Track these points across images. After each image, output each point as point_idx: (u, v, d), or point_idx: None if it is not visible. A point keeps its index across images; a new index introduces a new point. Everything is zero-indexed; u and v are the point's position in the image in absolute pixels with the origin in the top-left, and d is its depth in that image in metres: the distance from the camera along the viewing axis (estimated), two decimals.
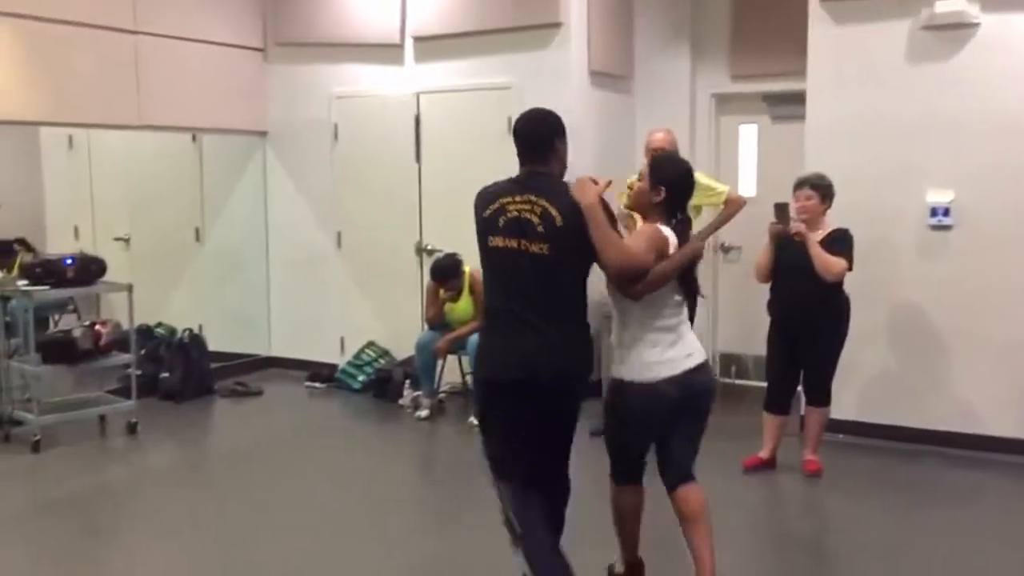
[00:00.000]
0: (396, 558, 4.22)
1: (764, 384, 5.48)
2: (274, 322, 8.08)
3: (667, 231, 3.49)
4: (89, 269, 6.11)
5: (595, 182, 3.37)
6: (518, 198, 3.33)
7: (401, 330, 7.17)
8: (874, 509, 4.79)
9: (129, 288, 6.15)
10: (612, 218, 3.37)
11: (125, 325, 6.28)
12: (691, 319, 5.79)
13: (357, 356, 7.41)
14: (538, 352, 3.29)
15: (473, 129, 6.79)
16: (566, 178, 3.46)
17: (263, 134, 7.87)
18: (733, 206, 6.02)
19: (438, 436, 6.29)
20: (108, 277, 6.25)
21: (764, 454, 5.33)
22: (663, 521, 3.71)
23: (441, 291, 6.47)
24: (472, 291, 6.33)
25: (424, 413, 6.50)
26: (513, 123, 3.49)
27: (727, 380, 7.47)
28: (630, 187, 3.68)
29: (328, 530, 4.57)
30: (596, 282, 3.52)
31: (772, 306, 5.26)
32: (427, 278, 6.69)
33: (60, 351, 5.93)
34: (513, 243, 3.31)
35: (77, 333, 6.01)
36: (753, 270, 5.32)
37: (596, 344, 3.81)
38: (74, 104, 6.47)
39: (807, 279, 4.95)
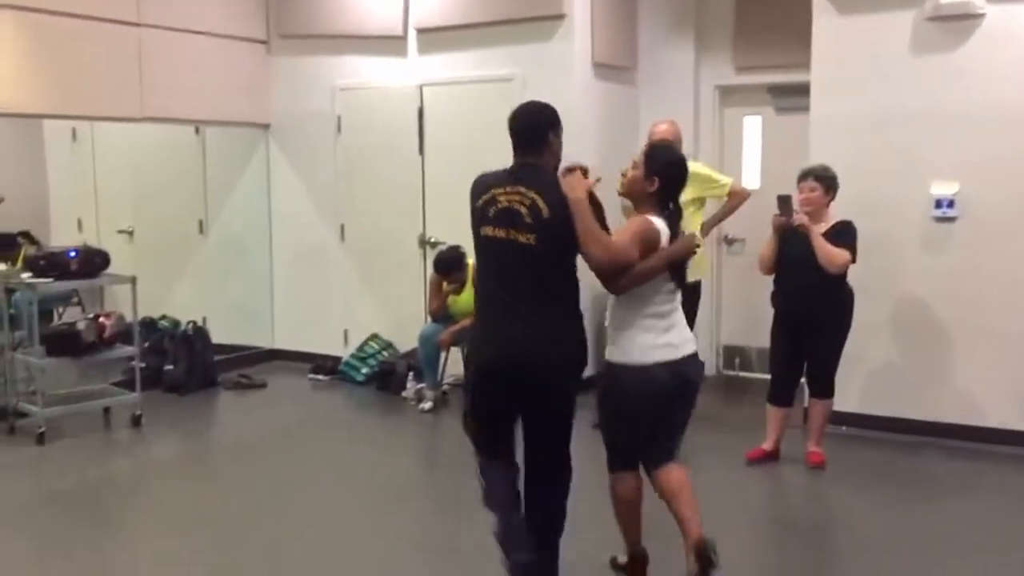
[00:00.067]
0: (400, 549, 4.23)
1: (768, 376, 5.47)
2: (278, 314, 8.09)
3: (659, 223, 3.51)
4: (93, 261, 6.11)
5: (585, 172, 3.42)
6: (508, 189, 3.39)
7: (404, 322, 7.18)
8: (877, 501, 4.79)
9: (133, 280, 6.17)
10: (600, 211, 3.41)
11: (129, 317, 6.29)
12: (694, 312, 5.84)
13: (360, 348, 7.41)
14: (525, 340, 3.35)
15: (476, 121, 6.78)
16: (564, 165, 3.49)
17: (266, 126, 7.87)
18: (737, 198, 6.01)
19: (441, 428, 6.30)
20: (112, 269, 6.26)
21: (767, 446, 5.34)
22: (664, 511, 3.70)
23: (444, 283, 6.48)
24: (475, 284, 6.32)
25: (427, 405, 6.51)
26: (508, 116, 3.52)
27: (731, 372, 7.47)
28: (623, 174, 3.67)
29: (332, 522, 4.58)
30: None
31: (776, 298, 5.26)
32: (430, 270, 6.69)
33: (64, 343, 5.95)
34: (502, 233, 3.38)
35: (81, 325, 6.02)
36: (757, 262, 5.31)
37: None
38: (78, 97, 6.48)
39: (811, 271, 4.94)
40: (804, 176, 5.11)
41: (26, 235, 7.45)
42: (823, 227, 5.01)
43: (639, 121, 7.01)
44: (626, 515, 3.76)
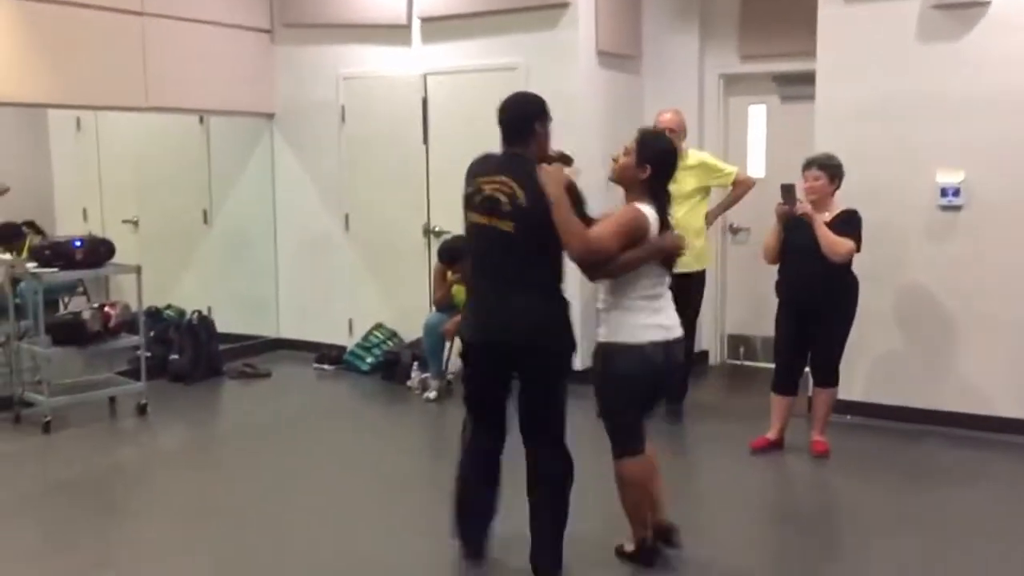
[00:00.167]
0: (404, 538, 4.24)
1: (772, 365, 5.47)
2: (282, 304, 8.10)
3: (648, 212, 3.55)
4: (98, 251, 6.12)
5: (568, 161, 3.61)
6: (493, 178, 3.55)
7: (409, 312, 7.18)
8: (881, 489, 4.80)
9: (138, 270, 6.18)
10: (580, 202, 3.51)
11: (134, 307, 6.30)
12: (698, 301, 5.86)
13: (365, 338, 7.42)
14: (506, 320, 3.53)
15: (481, 110, 6.64)
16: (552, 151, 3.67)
17: (270, 116, 7.87)
18: (741, 187, 6.01)
19: (446, 417, 6.30)
20: (117, 259, 6.27)
21: (772, 435, 5.34)
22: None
23: (449, 273, 6.48)
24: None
25: (432, 395, 6.52)
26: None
27: (735, 361, 7.48)
28: (615, 160, 3.71)
29: (336, 511, 4.59)
30: None
31: (780, 287, 5.25)
32: (435, 260, 6.69)
33: (70, 333, 5.96)
34: (485, 219, 3.54)
35: (86, 315, 6.03)
36: (761, 251, 5.31)
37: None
38: (82, 86, 6.48)
39: (815, 260, 4.94)
40: (808, 165, 5.10)
41: (31, 225, 7.48)
42: (827, 216, 5.01)
43: (643, 110, 6.99)
44: (639, 498, 3.78)
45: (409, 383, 6.80)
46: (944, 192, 5.56)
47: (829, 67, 5.83)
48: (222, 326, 7.50)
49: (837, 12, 5.78)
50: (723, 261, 7.32)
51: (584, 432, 4.02)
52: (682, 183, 5.79)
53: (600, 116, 6.64)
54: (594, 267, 3.48)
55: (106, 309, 6.14)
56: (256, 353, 7.82)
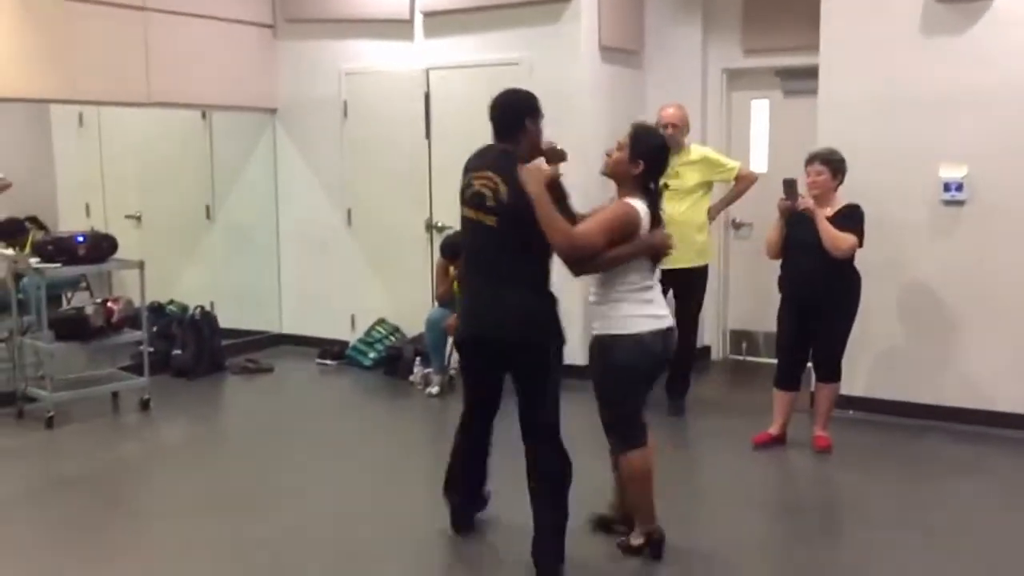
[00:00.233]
0: (408, 532, 4.24)
1: (775, 360, 5.46)
2: (285, 299, 8.10)
3: (641, 207, 3.59)
4: (101, 246, 6.13)
5: (559, 155, 3.71)
6: (481, 173, 3.65)
7: (411, 307, 7.18)
8: (883, 485, 4.79)
9: (140, 265, 6.18)
10: (563, 198, 3.58)
11: (137, 302, 6.31)
12: (701, 297, 5.87)
13: (368, 333, 7.42)
14: (494, 315, 3.62)
15: (483, 105, 6.64)
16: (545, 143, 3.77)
17: (273, 111, 7.86)
18: (744, 182, 6.00)
19: (448, 412, 6.29)
20: (119, 254, 6.27)
21: (774, 430, 5.33)
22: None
23: (451, 268, 6.47)
24: None
25: (434, 390, 6.53)
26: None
27: (738, 357, 7.47)
28: (608, 155, 3.74)
29: (339, 505, 4.60)
30: None
31: (782, 282, 5.25)
32: (437, 255, 6.69)
33: (73, 328, 5.97)
34: (473, 214, 3.66)
35: (89, 310, 6.04)
36: (764, 246, 5.30)
37: None
38: (84, 81, 6.48)
39: (817, 255, 4.93)
40: (811, 160, 5.09)
41: (34, 220, 7.48)
42: (829, 211, 5.00)
43: (646, 105, 6.97)
44: (647, 490, 3.81)
45: (411, 378, 6.80)
46: (947, 187, 5.55)
47: (832, 61, 5.81)
48: (225, 321, 7.51)
49: (840, 6, 5.76)
50: (725, 256, 7.32)
51: (585, 428, 4.03)
52: (685, 178, 5.81)
53: (602, 111, 6.63)
54: (579, 263, 3.52)
55: (109, 304, 6.14)
56: (259, 348, 7.82)
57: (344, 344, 7.53)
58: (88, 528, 4.40)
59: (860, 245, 4.97)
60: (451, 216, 6.82)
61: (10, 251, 6.61)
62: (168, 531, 4.35)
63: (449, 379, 6.67)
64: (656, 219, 3.66)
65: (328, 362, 7.48)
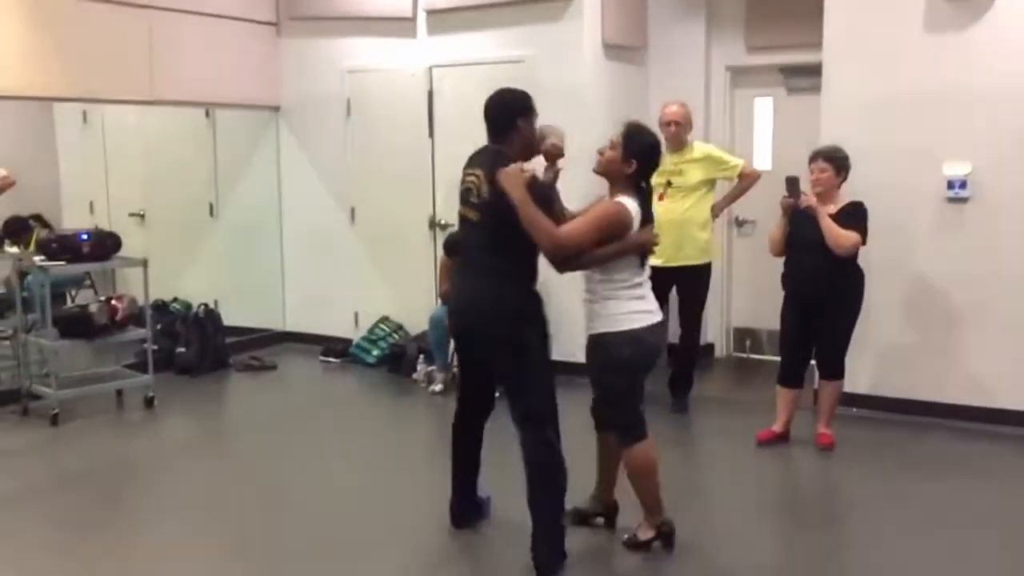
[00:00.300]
0: (410, 529, 4.24)
1: (778, 358, 5.46)
2: (288, 297, 8.11)
3: (632, 205, 3.64)
4: (105, 244, 6.14)
5: (559, 151, 3.79)
6: (470, 171, 3.77)
7: (415, 305, 7.19)
8: (887, 482, 4.79)
9: (144, 263, 6.19)
10: (544, 196, 3.61)
11: (141, 300, 6.32)
12: (704, 294, 5.87)
13: (371, 331, 7.43)
14: (469, 308, 3.77)
15: None
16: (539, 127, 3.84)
17: (276, 109, 7.87)
18: (748, 180, 6.00)
19: (451, 410, 6.26)
20: (123, 252, 6.28)
21: (778, 428, 5.33)
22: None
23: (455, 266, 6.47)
24: None
25: (438, 387, 6.53)
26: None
27: (741, 354, 7.47)
28: (600, 153, 3.77)
29: (342, 502, 4.61)
30: None
31: (786, 280, 5.25)
32: (441, 253, 6.69)
33: (77, 326, 5.98)
34: (462, 209, 3.80)
35: (93, 308, 6.05)
36: (767, 244, 5.30)
37: None
38: (88, 79, 6.48)
39: (820, 253, 4.93)
40: (814, 157, 5.09)
41: (38, 218, 7.49)
42: (833, 208, 5.00)
43: (649, 102, 6.96)
44: (653, 482, 3.85)
45: (415, 376, 6.81)
46: (951, 184, 5.54)
47: (836, 59, 5.81)
48: (228, 319, 7.52)
49: (844, 3, 5.76)
50: (729, 254, 7.31)
51: (585, 426, 4.04)
52: (688, 176, 5.81)
53: (606, 108, 6.62)
54: (564, 261, 3.57)
55: (113, 302, 6.15)
56: (262, 346, 7.83)
57: (348, 342, 7.54)
58: (92, 525, 4.41)
59: (863, 243, 4.97)
60: (454, 214, 6.79)
61: (14, 249, 6.64)
62: (172, 528, 4.36)
63: (452, 377, 6.66)
64: (647, 218, 3.71)
65: (332, 360, 7.49)
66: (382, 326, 7.42)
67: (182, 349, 7.13)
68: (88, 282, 7.83)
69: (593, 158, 3.80)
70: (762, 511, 4.58)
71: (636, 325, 3.68)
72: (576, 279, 3.82)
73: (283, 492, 4.77)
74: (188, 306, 7.76)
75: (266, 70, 7.72)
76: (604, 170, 3.75)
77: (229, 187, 8.12)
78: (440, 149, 7.08)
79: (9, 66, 6.02)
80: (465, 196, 3.76)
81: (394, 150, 7.30)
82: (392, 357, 7.14)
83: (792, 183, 5.05)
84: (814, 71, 6.06)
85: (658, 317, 3.78)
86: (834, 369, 5.26)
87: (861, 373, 5.77)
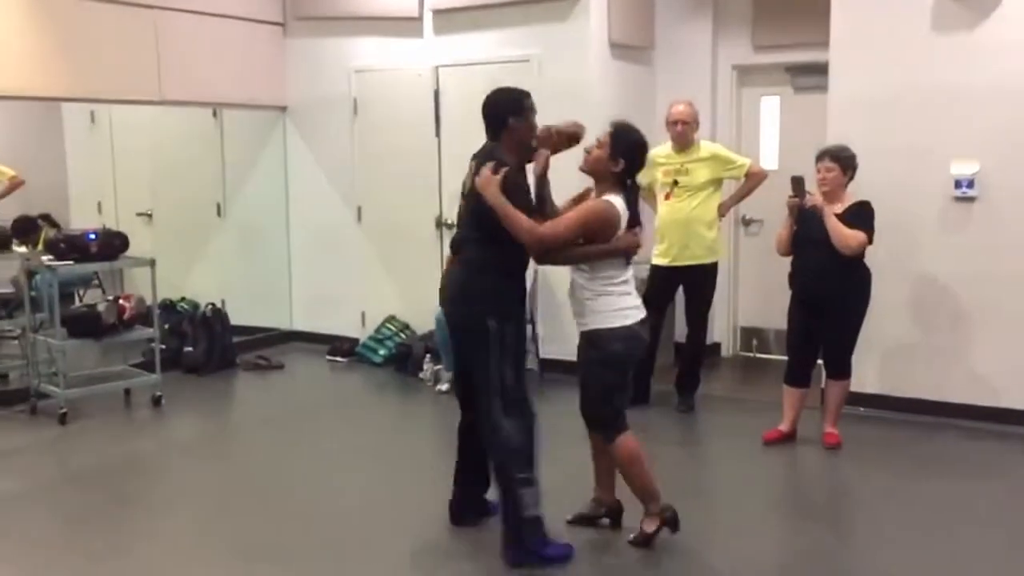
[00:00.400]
0: (417, 526, 4.25)
1: (785, 357, 5.46)
2: (295, 296, 8.13)
3: (620, 204, 3.71)
4: (112, 244, 6.15)
5: (577, 137, 3.90)
6: (469, 165, 3.87)
7: (421, 304, 7.18)
8: (893, 482, 4.78)
9: (152, 263, 6.20)
10: (524, 194, 3.72)
11: (148, 300, 6.33)
12: (711, 294, 5.89)
13: (378, 330, 7.44)
14: (444, 292, 3.94)
15: None
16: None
17: (283, 109, 7.88)
18: (754, 179, 5.99)
19: (457, 409, 6.31)
20: (131, 252, 6.30)
21: (784, 427, 5.33)
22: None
23: None
24: None
25: (444, 386, 6.53)
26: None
27: (748, 353, 7.46)
28: (588, 152, 3.82)
29: (349, 501, 4.62)
30: None
31: (793, 279, 5.24)
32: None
33: (85, 325, 6.00)
34: (460, 202, 3.96)
35: (101, 307, 6.07)
36: (774, 243, 5.30)
37: None
38: (95, 80, 6.50)
39: (827, 252, 4.92)
40: (821, 156, 5.08)
41: (46, 218, 7.51)
42: (839, 207, 4.99)
43: (655, 101, 6.97)
44: (644, 469, 3.89)
45: (421, 375, 6.82)
46: (958, 183, 5.53)
47: (843, 57, 5.80)
48: (235, 318, 7.53)
49: (851, 1, 5.75)
50: (736, 253, 7.31)
51: (578, 432, 4.06)
52: (695, 175, 5.81)
53: (612, 107, 6.60)
54: (546, 254, 3.69)
55: (121, 302, 6.17)
56: (269, 345, 7.85)
57: (354, 341, 7.55)
58: (100, 523, 4.43)
59: (870, 242, 4.96)
60: None
61: (23, 248, 6.65)
62: (180, 526, 4.38)
63: None
64: (633, 217, 3.76)
65: (338, 359, 7.50)
66: (389, 325, 7.43)
67: (189, 348, 7.15)
68: (96, 281, 7.86)
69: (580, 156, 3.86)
70: (768, 510, 4.57)
71: (629, 321, 3.76)
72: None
73: (289, 491, 4.78)
74: (195, 305, 7.78)
75: (273, 70, 7.74)
76: (591, 168, 3.81)
77: (236, 187, 8.14)
78: (446, 148, 7.08)
79: (17, 66, 6.04)
80: (461, 189, 3.91)
81: (400, 149, 7.31)
82: (399, 356, 7.15)
83: (797, 183, 5.04)
84: (821, 70, 6.05)
85: (643, 312, 3.87)
86: (841, 368, 5.25)
87: (868, 373, 5.76)
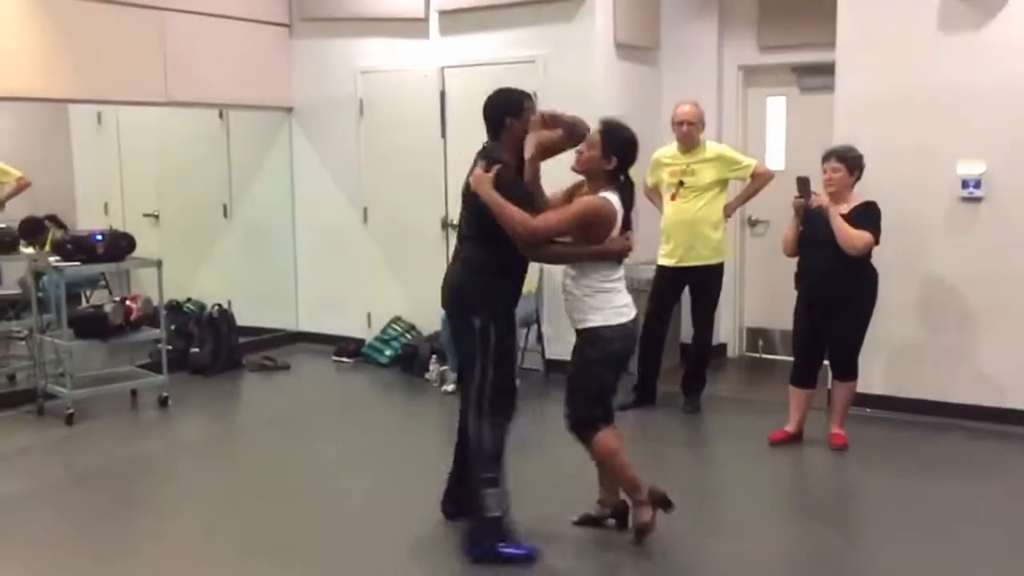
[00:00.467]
0: (423, 527, 4.25)
1: (791, 358, 5.45)
2: (301, 297, 8.14)
3: (616, 202, 3.74)
4: (119, 245, 6.17)
5: (579, 130, 3.87)
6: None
7: (427, 305, 7.13)
8: (900, 483, 4.77)
9: (159, 264, 6.22)
10: (519, 191, 3.71)
11: (155, 301, 6.34)
12: (717, 294, 5.89)
13: (384, 331, 7.45)
14: (442, 289, 3.98)
15: None
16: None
17: (289, 110, 7.90)
18: (760, 180, 5.98)
19: None
20: (138, 253, 6.31)
21: (791, 428, 5.32)
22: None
23: None
24: None
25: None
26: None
27: (754, 354, 7.45)
28: (579, 152, 3.85)
29: (355, 502, 4.62)
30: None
31: (799, 280, 5.23)
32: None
33: (92, 326, 6.02)
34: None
35: (108, 308, 6.08)
36: (780, 244, 5.29)
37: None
38: (102, 81, 6.52)
39: (832, 253, 4.91)
40: (827, 156, 5.07)
41: (53, 219, 7.52)
42: (845, 208, 4.98)
43: (661, 102, 6.96)
44: (624, 459, 3.92)
45: (427, 376, 6.82)
46: (965, 184, 5.51)
47: (849, 58, 5.79)
48: (242, 319, 7.55)
49: (857, 1, 5.74)
50: (741, 254, 7.30)
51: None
52: (700, 176, 5.80)
53: (618, 108, 6.56)
54: (536, 246, 3.72)
55: (127, 302, 6.19)
56: (275, 346, 7.86)
57: (360, 342, 7.56)
58: (107, 524, 4.44)
59: (876, 243, 4.95)
60: None
61: (30, 250, 6.67)
62: (186, 526, 4.38)
63: None
64: (627, 216, 3.79)
65: (344, 360, 7.51)
66: (395, 326, 7.44)
67: (196, 349, 7.17)
68: (103, 282, 7.86)
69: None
70: (774, 511, 4.57)
71: (625, 319, 3.83)
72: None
73: (296, 491, 4.78)
74: (202, 306, 7.80)
75: (279, 71, 7.75)
76: (585, 168, 3.83)
77: (242, 188, 8.15)
78: (452, 149, 7.08)
79: (24, 68, 6.06)
80: (461, 191, 3.95)
81: (406, 150, 7.32)
82: (405, 357, 7.15)
83: (803, 183, 5.03)
84: (827, 70, 6.04)
85: (635, 310, 3.94)
86: (847, 369, 5.24)
87: (874, 373, 5.75)
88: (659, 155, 5.99)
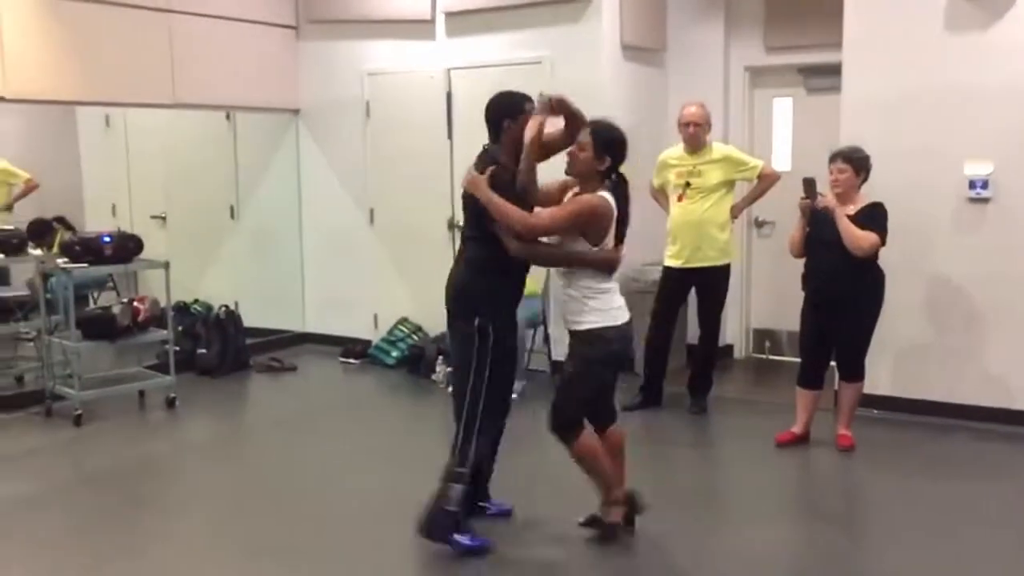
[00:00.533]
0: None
1: (798, 359, 5.44)
2: (308, 298, 8.15)
3: (611, 200, 3.77)
4: (127, 247, 6.19)
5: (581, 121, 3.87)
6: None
7: (434, 306, 7.08)
8: (907, 483, 4.77)
9: (166, 265, 6.24)
10: (512, 190, 3.75)
11: (162, 302, 6.37)
12: (723, 295, 5.88)
13: (390, 332, 7.45)
14: (448, 284, 4.02)
15: None
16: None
17: (296, 112, 7.91)
18: (767, 181, 5.97)
19: None
20: (145, 254, 6.33)
21: (797, 429, 5.31)
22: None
23: None
24: None
25: None
26: None
27: (761, 355, 7.45)
28: (570, 155, 3.87)
29: (362, 503, 4.63)
30: None
31: (806, 281, 5.23)
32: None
33: (99, 327, 6.03)
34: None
35: (116, 310, 6.10)
36: (787, 245, 5.28)
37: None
38: (110, 83, 6.55)
39: (839, 253, 4.91)
40: (834, 157, 5.07)
41: (61, 221, 7.56)
42: (852, 209, 4.97)
43: (668, 103, 6.97)
44: (602, 462, 3.93)
45: (434, 377, 6.83)
46: (972, 184, 5.50)
47: (856, 58, 5.78)
48: (249, 320, 7.56)
49: (864, 2, 5.73)
50: (748, 255, 7.29)
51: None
52: (707, 177, 5.80)
53: (624, 109, 6.60)
54: (530, 242, 3.76)
55: (135, 304, 6.21)
56: (282, 347, 7.87)
57: (367, 343, 7.57)
58: (115, 524, 4.45)
59: (883, 243, 4.94)
60: None
61: (38, 251, 6.69)
62: (193, 527, 4.40)
63: None
64: (622, 216, 3.82)
65: (351, 361, 7.52)
66: (401, 327, 7.45)
67: (203, 350, 7.18)
68: (110, 284, 7.90)
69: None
70: (781, 512, 4.56)
71: (621, 320, 3.85)
72: None
73: (302, 492, 4.79)
74: (209, 307, 7.81)
75: (286, 73, 7.77)
76: (578, 170, 3.85)
77: (249, 189, 8.17)
78: (459, 151, 7.08)
79: (32, 70, 6.09)
80: (463, 191, 3.98)
81: (413, 152, 7.33)
82: (411, 358, 7.16)
83: (809, 184, 5.03)
84: (833, 71, 6.03)
85: (628, 313, 3.94)
86: (854, 370, 5.23)
87: (881, 374, 5.74)
88: (665, 156, 5.99)
